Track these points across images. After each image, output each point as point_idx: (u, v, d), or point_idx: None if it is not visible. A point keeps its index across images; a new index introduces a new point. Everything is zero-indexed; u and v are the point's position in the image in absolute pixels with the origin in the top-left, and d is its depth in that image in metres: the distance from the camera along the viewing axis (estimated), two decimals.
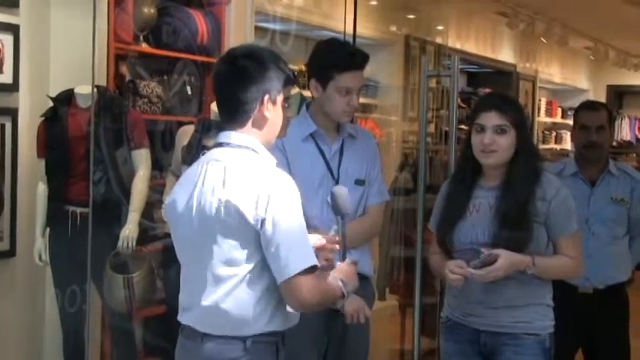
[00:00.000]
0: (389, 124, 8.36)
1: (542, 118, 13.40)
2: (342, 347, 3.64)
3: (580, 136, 4.38)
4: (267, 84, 2.61)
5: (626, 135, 15.08)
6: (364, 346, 3.78)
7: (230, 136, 2.64)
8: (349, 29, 5.49)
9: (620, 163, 4.63)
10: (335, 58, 3.57)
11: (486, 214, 3.27)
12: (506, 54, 11.19)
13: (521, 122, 3.28)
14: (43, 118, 4.75)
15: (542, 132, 13.60)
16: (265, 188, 2.51)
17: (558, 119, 14.09)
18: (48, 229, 4.80)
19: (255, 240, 2.52)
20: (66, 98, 4.76)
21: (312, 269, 2.52)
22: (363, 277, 3.64)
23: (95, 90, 4.61)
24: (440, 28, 8.70)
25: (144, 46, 5.28)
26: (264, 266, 2.54)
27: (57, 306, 4.80)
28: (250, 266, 2.54)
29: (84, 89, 4.69)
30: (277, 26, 6.40)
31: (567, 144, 14.03)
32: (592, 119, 4.34)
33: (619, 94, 14.78)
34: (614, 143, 14.40)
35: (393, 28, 8.31)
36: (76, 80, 4.75)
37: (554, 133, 13.97)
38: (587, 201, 4.28)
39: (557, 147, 13.61)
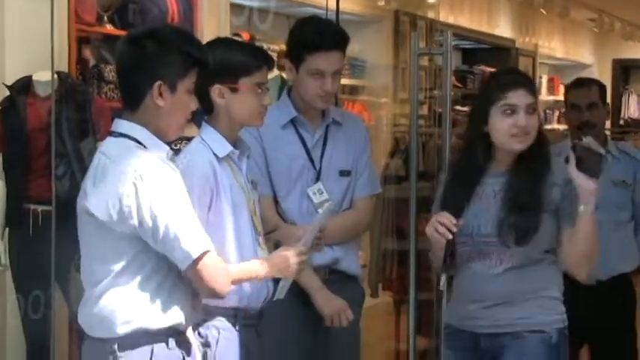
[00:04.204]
0: (378, 107, 8.38)
1: (544, 96, 13.40)
2: (329, 350, 3.60)
3: (571, 116, 4.36)
4: (165, 68, 2.62)
5: (634, 112, 15.03)
6: (354, 349, 3.74)
7: (117, 123, 2.67)
8: (332, 5, 5.43)
9: (622, 144, 4.61)
10: (304, 37, 3.52)
11: (490, 202, 3.18)
12: (503, 28, 11.22)
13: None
14: None
15: (544, 111, 13.59)
16: (131, 181, 2.54)
17: (561, 97, 14.04)
18: (7, 230, 4.80)
19: (127, 237, 2.59)
20: (24, 86, 4.74)
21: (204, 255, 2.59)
22: (349, 277, 3.68)
23: (56, 76, 4.59)
24: (431, 1, 8.70)
25: (109, 28, 5.25)
26: (136, 263, 2.61)
27: (19, 313, 4.79)
28: (122, 263, 2.62)
29: (43, 76, 4.67)
30: (255, 3, 6.34)
31: None
32: (581, 97, 4.31)
33: (626, 69, 14.79)
34: (621, 122, 14.36)
35: (381, 3, 8.30)
36: (34, 66, 4.74)
37: (556, 113, 13.94)
38: None
39: (560, 127, 13.60)
